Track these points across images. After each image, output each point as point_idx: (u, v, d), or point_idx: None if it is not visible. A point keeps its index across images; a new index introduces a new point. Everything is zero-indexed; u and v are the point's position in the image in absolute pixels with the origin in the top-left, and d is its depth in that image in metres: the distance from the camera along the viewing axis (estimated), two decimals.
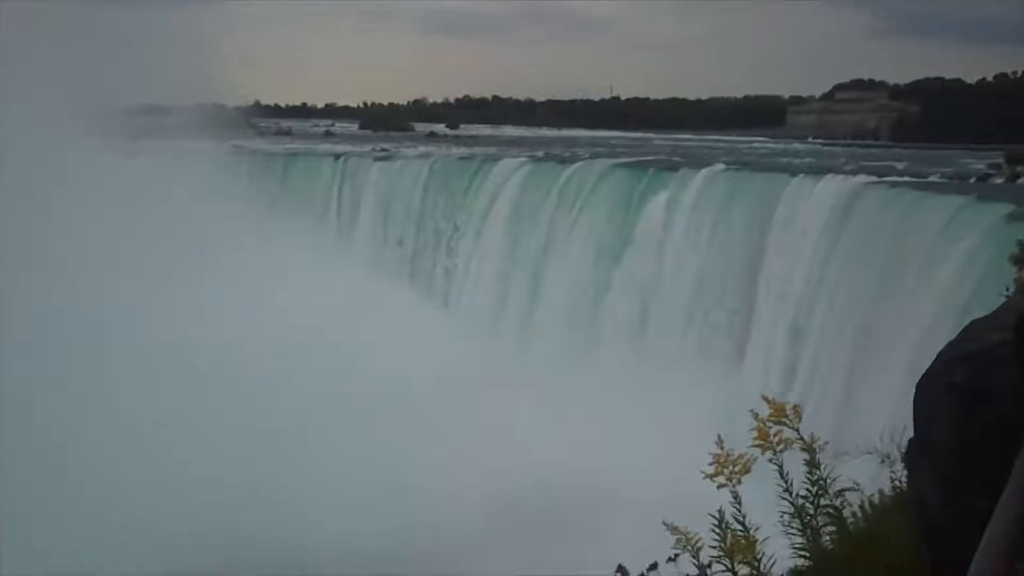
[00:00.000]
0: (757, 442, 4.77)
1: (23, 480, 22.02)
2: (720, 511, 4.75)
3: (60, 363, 26.08)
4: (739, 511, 4.75)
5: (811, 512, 4.81)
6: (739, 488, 4.87)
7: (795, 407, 4.82)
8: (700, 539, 4.74)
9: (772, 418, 4.76)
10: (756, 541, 4.72)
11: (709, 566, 4.83)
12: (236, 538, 22.13)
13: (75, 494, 22.48)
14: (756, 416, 4.82)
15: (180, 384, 26.57)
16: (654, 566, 5.10)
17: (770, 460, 4.81)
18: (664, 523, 4.80)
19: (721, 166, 37.51)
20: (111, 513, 21.99)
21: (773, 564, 4.74)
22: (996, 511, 2.24)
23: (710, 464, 4.79)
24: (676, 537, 4.77)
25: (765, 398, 4.85)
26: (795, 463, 4.88)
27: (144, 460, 24.02)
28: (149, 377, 26.76)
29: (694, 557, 4.76)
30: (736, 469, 4.76)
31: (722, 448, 4.80)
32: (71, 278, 28.43)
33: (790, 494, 4.82)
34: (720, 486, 4.76)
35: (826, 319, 28.13)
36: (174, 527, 22.09)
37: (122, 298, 28.77)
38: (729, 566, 4.66)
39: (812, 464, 4.83)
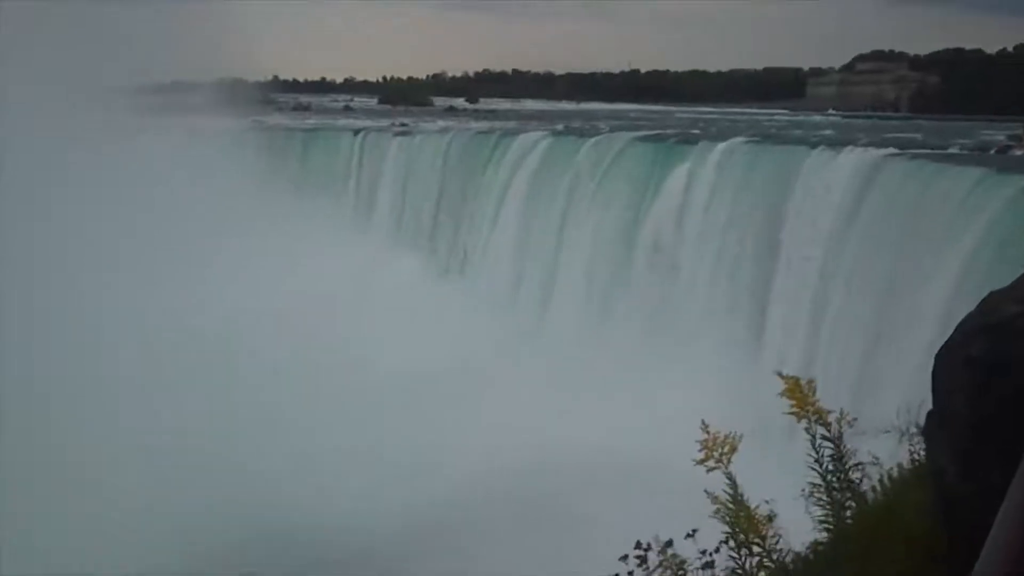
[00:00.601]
0: (794, 410, 4.80)
1: (23, 480, 22.06)
2: (733, 485, 4.78)
3: (61, 361, 26.17)
4: (736, 492, 4.78)
5: (836, 486, 4.83)
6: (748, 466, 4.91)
7: (810, 382, 4.84)
8: (730, 510, 4.78)
9: (787, 393, 4.78)
10: (772, 516, 4.75)
11: (726, 541, 4.86)
12: (239, 533, 22.24)
13: (75, 494, 22.51)
14: (786, 383, 4.85)
15: (184, 376, 26.65)
16: (670, 543, 5.09)
17: (805, 429, 4.84)
18: (706, 491, 4.85)
19: (741, 139, 37.31)
20: (111, 513, 22.02)
21: (777, 541, 4.77)
22: (1013, 483, 2.24)
23: (699, 450, 4.82)
24: (716, 507, 4.81)
25: (779, 373, 4.86)
26: (802, 440, 4.91)
27: (145, 459, 24.12)
28: (152, 372, 26.85)
29: (729, 528, 4.80)
30: (725, 451, 4.79)
31: (707, 432, 4.83)
32: (75, 268, 28.50)
33: (820, 465, 4.84)
34: (710, 470, 4.80)
35: (846, 293, 28.03)
36: (175, 527, 22.17)
37: (128, 286, 28.84)
38: (745, 540, 4.68)
39: (837, 439, 4.85)
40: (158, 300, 29.18)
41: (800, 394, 4.76)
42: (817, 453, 4.83)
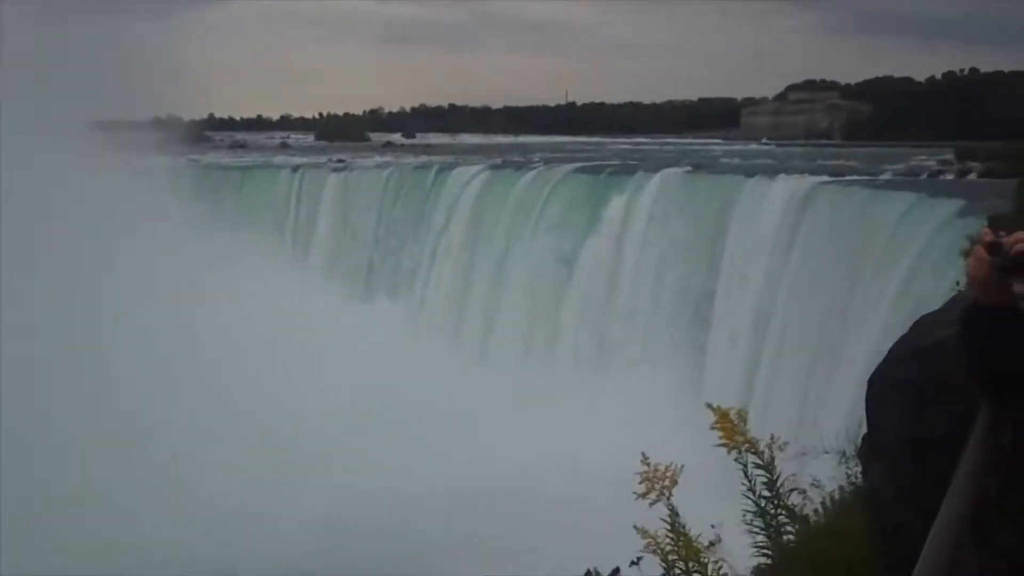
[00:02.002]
0: (723, 442, 4.81)
1: (23, 480, 22.10)
2: (672, 514, 4.78)
3: (61, 365, 26.27)
4: (676, 522, 4.78)
5: (771, 512, 4.85)
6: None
7: (739, 412, 4.87)
8: (668, 542, 4.76)
9: (718, 424, 4.80)
10: (717, 541, 4.76)
11: (669, 570, 4.86)
12: (234, 537, 22.34)
13: (75, 494, 22.64)
14: (715, 414, 4.86)
15: (109, 415, 26.68)
16: (616, 571, 5.07)
17: (736, 459, 4.86)
18: (635, 527, 4.83)
19: (677, 169, 37.69)
20: (111, 513, 22.15)
21: (720, 567, 4.78)
22: (945, 501, 2.27)
23: (640, 483, 4.81)
24: (645, 540, 4.80)
25: (709, 405, 4.89)
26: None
27: (144, 460, 24.25)
28: (148, 379, 27.00)
29: (663, 560, 4.79)
30: (666, 484, 4.80)
31: (648, 465, 4.83)
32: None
33: (754, 493, 4.86)
34: (652, 503, 4.79)
35: (785, 319, 28.31)
36: (174, 527, 22.30)
37: (65, 324, 28.84)
38: (686, 568, 4.69)
39: (769, 465, 4.87)
40: (96, 336, 29.02)
41: (729, 425, 4.79)
42: (750, 481, 4.85)
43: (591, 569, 5.43)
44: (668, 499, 4.79)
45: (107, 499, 23.24)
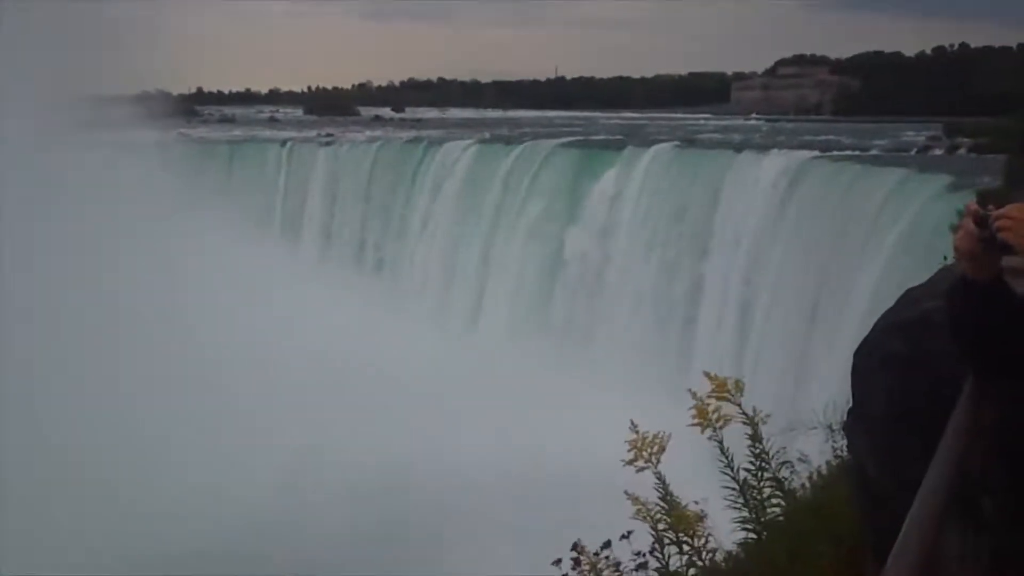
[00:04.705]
0: (696, 421, 4.79)
1: (23, 479, 22.01)
2: (663, 485, 4.77)
3: (62, 363, 26.17)
4: (666, 492, 4.78)
5: (755, 485, 4.84)
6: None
7: (737, 382, 4.85)
8: (658, 510, 4.77)
9: (715, 393, 4.79)
10: (703, 515, 4.76)
11: (659, 541, 4.86)
12: (236, 535, 22.23)
13: (75, 494, 22.54)
14: (694, 394, 4.85)
15: (179, 382, 26.67)
16: (607, 544, 5.09)
17: (710, 438, 4.84)
18: (626, 492, 4.82)
19: (667, 144, 37.60)
20: (111, 513, 22.04)
21: (706, 541, 4.78)
22: (928, 472, 2.27)
23: (628, 451, 4.81)
24: (636, 508, 4.80)
25: (707, 374, 4.87)
26: (741, 437, 4.92)
27: (145, 459, 24.15)
28: (148, 376, 26.86)
29: (652, 528, 4.79)
30: (654, 450, 4.79)
31: (637, 433, 4.82)
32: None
33: (732, 469, 4.85)
34: (640, 469, 4.79)
35: (775, 293, 28.31)
36: (175, 526, 22.20)
37: (58, 298, 28.70)
38: (675, 539, 4.69)
39: (755, 438, 4.86)
40: (83, 314, 28.88)
41: (700, 405, 4.77)
42: (727, 458, 4.83)
43: (577, 542, 5.42)
44: (655, 466, 4.79)
45: (91, 481, 23.13)
